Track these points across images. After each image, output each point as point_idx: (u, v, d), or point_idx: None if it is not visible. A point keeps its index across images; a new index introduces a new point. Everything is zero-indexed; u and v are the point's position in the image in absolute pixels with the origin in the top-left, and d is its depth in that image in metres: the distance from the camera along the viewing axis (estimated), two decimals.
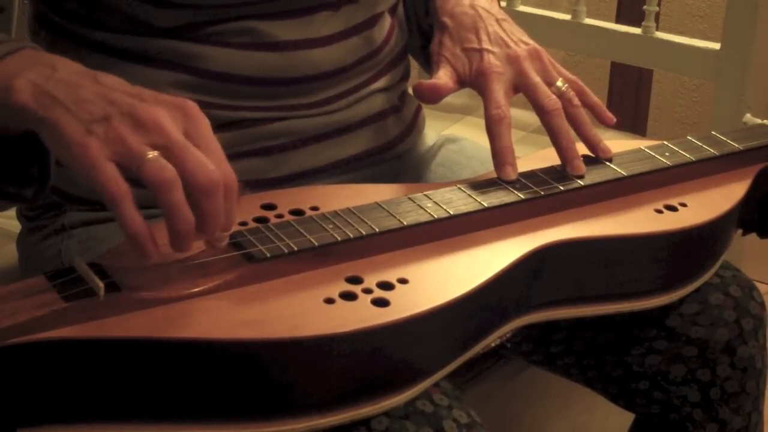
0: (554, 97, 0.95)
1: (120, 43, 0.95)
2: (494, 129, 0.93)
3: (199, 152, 0.72)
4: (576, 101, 0.96)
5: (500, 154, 0.92)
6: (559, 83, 0.96)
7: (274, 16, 0.96)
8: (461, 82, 0.98)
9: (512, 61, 0.96)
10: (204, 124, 0.74)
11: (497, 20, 1.00)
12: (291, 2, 0.96)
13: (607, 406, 1.08)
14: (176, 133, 0.72)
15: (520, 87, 0.96)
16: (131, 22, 0.94)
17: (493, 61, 0.96)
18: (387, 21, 1.06)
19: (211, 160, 0.72)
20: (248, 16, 0.95)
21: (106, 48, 0.95)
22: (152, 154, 0.71)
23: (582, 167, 0.94)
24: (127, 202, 0.70)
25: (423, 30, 1.09)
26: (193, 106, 0.74)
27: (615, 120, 0.99)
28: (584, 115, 0.96)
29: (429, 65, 1.05)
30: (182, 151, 0.71)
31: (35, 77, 0.74)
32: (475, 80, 0.97)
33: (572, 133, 0.95)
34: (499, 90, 0.95)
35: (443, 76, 0.97)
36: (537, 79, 0.96)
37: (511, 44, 0.98)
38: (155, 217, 0.73)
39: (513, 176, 0.91)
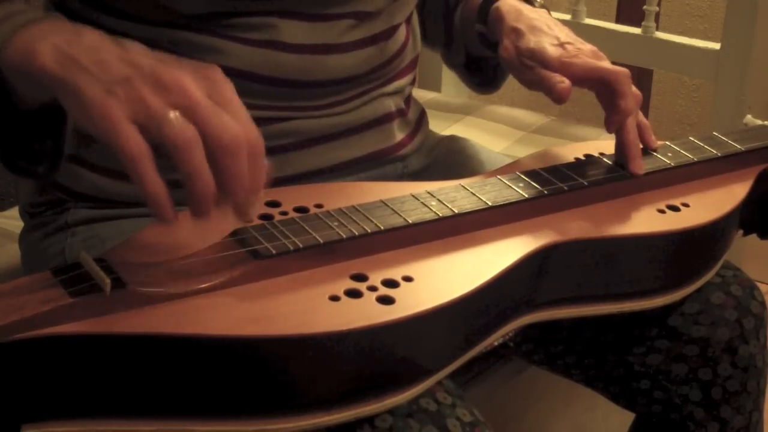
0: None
1: (138, 34, 0.94)
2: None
3: (222, 112, 0.70)
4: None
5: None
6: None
7: (298, 16, 0.96)
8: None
9: (587, 52, 0.98)
10: (228, 86, 0.72)
11: (563, 27, 1.02)
12: (317, 6, 0.96)
13: (607, 405, 1.08)
14: (199, 93, 0.70)
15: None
16: (155, 9, 0.93)
17: (573, 49, 0.98)
18: (402, 32, 1.06)
19: (235, 121, 0.70)
20: (272, 13, 0.94)
21: (120, 36, 0.95)
22: (173, 113, 0.69)
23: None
24: (147, 162, 0.68)
25: (468, 39, 1.09)
26: (216, 70, 0.73)
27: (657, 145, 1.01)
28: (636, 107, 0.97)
29: (473, 78, 1.11)
30: (205, 110, 0.70)
31: (58, 41, 0.73)
32: (562, 68, 0.97)
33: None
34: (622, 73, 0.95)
35: (555, 75, 0.97)
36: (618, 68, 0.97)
37: (580, 44, 1.00)
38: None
39: (641, 171, 0.94)
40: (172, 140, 0.68)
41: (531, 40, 0.99)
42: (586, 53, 0.98)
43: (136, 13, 0.94)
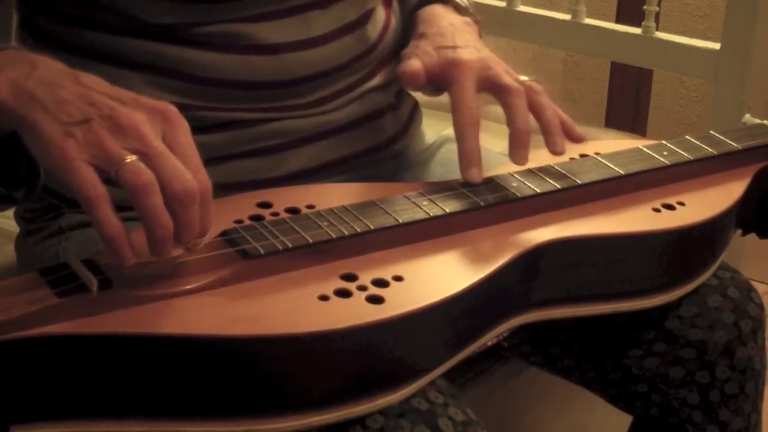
0: (518, 83, 0.94)
1: (107, 46, 0.94)
2: (465, 131, 0.92)
3: (177, 161, 0.72)
4: (539, 88, 0.95)
5: (468, 157, 0.91)
6: (522, 77, 0.96)
7: (261, 17, 0.95)
8: (429, 76, 0.97)
9: (481, 59, 0.96)
10: (183, 129, 0.74)
11: (473, 37, 1.01)
12: (274, 2, 0.96)
13: (606, 407, 1.07)
14: (155, 139, 0.72)
15: (486, 79, 0.95)
16: (123, 19, 0.93)
17: (465, 55, 0.96)
18: (381, 16, 1.06)
19: (187, 167, 0.72)
20: (235, 20, 0.94)
21: (93, 51, 0.94)
22: (130, 158, 0.71)
23: (526, 158, 0.92)
24: (104, 205, 0.70)
25: None
26: (173, 111, 0.75)
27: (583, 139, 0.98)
28: (548, 99, 0.95)
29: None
30: (160, 158, 0.71)
31: (14, 75, 0.74)
32: (444, 71, 0.96)
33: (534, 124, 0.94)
34: (470, 88, 0.94)
35: (414, 63, 0.97)
36: (500, 69, 0.95)
37: (482, 52, 0.98)
38: (135, 219, 0.72)
39: (478, 179, 0.91)
40: (129, 185, 0.70)
41: (429, 44, 0.99)
42: (471, 61, 0.96)
43: (105, 22, 0.94)
